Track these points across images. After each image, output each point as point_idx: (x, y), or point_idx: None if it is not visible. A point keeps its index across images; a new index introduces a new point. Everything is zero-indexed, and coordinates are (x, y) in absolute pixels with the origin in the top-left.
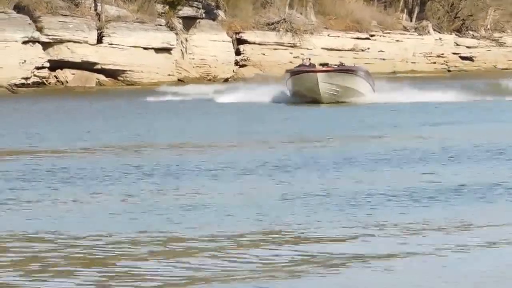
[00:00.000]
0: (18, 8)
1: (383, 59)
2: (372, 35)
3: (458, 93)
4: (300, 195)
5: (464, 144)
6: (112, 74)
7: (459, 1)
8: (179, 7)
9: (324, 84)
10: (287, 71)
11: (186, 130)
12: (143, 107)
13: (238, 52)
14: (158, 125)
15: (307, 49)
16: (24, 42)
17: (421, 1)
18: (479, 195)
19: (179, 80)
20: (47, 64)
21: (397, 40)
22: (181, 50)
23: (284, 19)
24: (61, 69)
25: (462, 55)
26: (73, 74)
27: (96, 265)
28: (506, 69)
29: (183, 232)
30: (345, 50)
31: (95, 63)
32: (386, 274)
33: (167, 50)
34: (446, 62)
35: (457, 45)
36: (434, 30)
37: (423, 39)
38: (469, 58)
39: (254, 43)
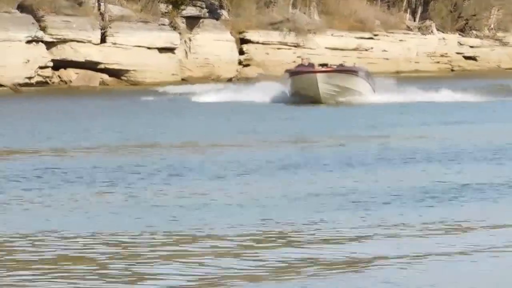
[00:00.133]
0: (22, 8)
1: (387, 59)
2: (375, 35)
3: (466, 93)
4: (308, 195)
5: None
6: (116, 73)
7: (463, 0)
8: (182, 7)
9: (324, 85)
10: (287, 71)
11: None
12: (140, 106)
13: (241, 52)
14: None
15: (311, 48)
16: (28, 42)
17: (425, 0)
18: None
19: (182, 79)
20: (51, 64)
21: (401, 40)
22: (185, 50)
23: (287, 18)
24: (65, 69)
25: (465, 54)
26: (77, 73)
27: (109, 266)
28: (510, 68)
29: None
30: (349, 50)
31: (99, 63)
32: (408, 274)
33: (170, 49)
34: (450, 61)
35: (461, 44)
36: (438, 29)
37: (426, 38)
38: (473, 58)
39: (257, 42)
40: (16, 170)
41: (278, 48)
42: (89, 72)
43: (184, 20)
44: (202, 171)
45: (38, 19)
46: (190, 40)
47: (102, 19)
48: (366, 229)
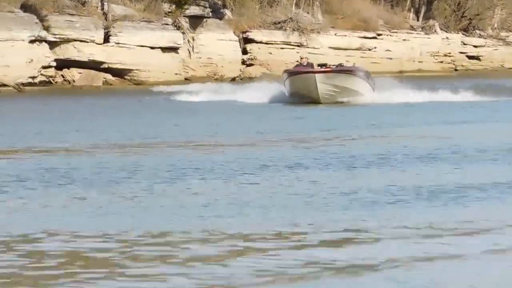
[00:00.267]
0: (25, 7)
1: (390, 58)
2: (379, 34)
3: (472, 93)
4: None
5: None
6: (119, 73)
7: (466, 0)
8: (185, 6)
9: (323, 85)
10: (285, 71)
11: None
12: (141, 106)
13: (245, 51)
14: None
15: (314, 48)
16: (31, 41)
17: (428, 0)
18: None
19: (186, 79)
20: (54, 63)
21: (404, 39)
22: (188, 50)
23: (291, 18)
24: (68, 68)
25: (469, 54)
26: (80, 73)
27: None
28: None
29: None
30: (352, 49)
31: (102, 62)
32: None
33: (173, 49)
34: (453, 61)
35: (464, 44)
36: (441, 29)
37: (430, 38)
38: (476, 57)
39: (261, 42)
40: (19, 170)
41: (282, 48)
42: (92, 72)
43: (187, 20)
44: (210, 170)
45: (41, 19)
46: (193, 39)
47: (105, 19)
48: (379, 230)
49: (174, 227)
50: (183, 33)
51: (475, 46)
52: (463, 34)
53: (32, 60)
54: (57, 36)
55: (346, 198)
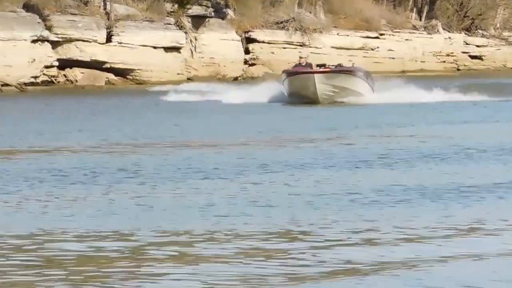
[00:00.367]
0: (27, 7)
1: (393, 58)
2: (381, 34)
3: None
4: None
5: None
6: (122, 73)
7: (469, 0)
8: (188, 6)
9: (322, 85)
10: (284, 71)
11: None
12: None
13: (247, 51)
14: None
15: (316, 47)
16: (33, 41)
17: (431, 0)
18: None
19: (188, 79)
20: (56, 63)
21: (407, 39)
22: (190, 49)
23: (293, 18)
24: (70, 68)
25: (471, 54)
26: (82, 73)
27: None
28: None
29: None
30: (354, 49)
31: (104, 62)
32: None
33: (176, 49)
34: (456, 61)
35: (467, 44)
36: (444, 29)
37: (432, 38)
38: (479, 57)
39: (263, 42)
40: (21, 169)
41: (284, 48)
42: (95, 72)
43: (190, 20)
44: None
45: (44, 19)
46: (195, 39)
47: (108, 19)
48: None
49: (187, 227)
50: (186, 32)
51: (477, 46)
52: (465, 34)
53: (34, 60)
54: (60, 36)
55: (361, 197)
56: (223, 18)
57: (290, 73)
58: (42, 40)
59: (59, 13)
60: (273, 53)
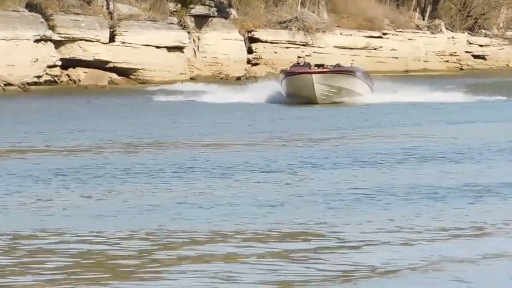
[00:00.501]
0: (30, 7)
1: (396, 58)
2: (384, 34)
3: (464, 93)
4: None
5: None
6: (125, 72)
7: None
8: (191, 6)
9: (320, 85)
10: (282, 71)
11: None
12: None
13: (250, 51)
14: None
15: (320, 47)
16: (36, 41)
17: None
18: None
19: (191, 78)
20: (59, 63)
21: (410, 39)
22: (193, 49)
23: (296, 17)
24: (73, 68)
25: (474, 53)
26: (85, 72)
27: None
28: None
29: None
30: (358, 49)
31: (107, 62)
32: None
33: (179, 48)
34: (459, 60)
35: (470, 43)
36: (447, 28)
37: (435, 37)
38: (482, 57)
39: (266, 41)
40: (21, 169)
41: (287, 47)
42: (98, 71)
43: (193, 19)
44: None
45: (47, 18)
46: (198, 39)
47: (111, 18)
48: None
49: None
50: (189, 32)
51: (480, 46)
52: (468, 33)
53: (37, 60)
54: (63, 36)
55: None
56: (226, 18)
57: (288, 73)
58: (45, 39)
59: (62, 12)
60: (276, 52)
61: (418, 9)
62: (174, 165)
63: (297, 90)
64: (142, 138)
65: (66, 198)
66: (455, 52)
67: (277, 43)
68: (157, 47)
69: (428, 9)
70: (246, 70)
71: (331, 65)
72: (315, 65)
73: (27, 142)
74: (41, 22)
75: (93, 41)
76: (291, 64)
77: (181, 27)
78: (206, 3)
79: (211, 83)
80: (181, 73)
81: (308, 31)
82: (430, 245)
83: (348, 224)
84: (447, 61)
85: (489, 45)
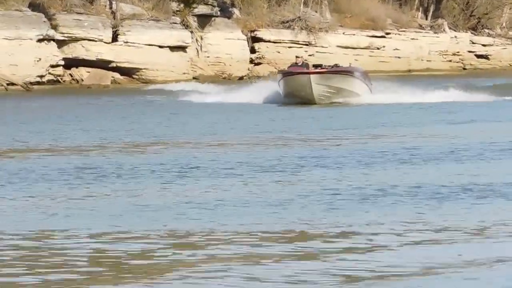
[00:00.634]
0: (33, 6)
1: (398, 57)
2: (387, 33)
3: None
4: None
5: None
6: (127, 72)
7: None
8: (194, 5)
9: (318, 86)
10: (280, 71)
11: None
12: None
13: (253, 50)
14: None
15: (322, 47)
16: (39, 40)
17: None
18: None
19: (194, 78)
20: (62, 62)
21: (413, 38)
22: (196, 49)
23: (299, 17)
24: (76, 67)
25: (477, 53)
26: (88, 72)
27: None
28: None
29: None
30: (360, 48)
31: (110, 61)
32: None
33: (182, 48)
34: (462, 60)
35: (473, 43)
36: (450, 28)
37: (438, 37)
38: (485, 56)
39: (269, 41)
40: (23, 169)
41: (290, 47)
42: (101, 71)
43: (196, 19)
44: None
45: (49, 18)
46: (201, 38)
47: (114, 18)
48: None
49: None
50: (192, 32)
51: (483, 45)
52: (471, 33)
53: (40, 59)
54: (65, 35)
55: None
56: (229, 18)
57: (286, 73)
58: (48, 39)
59: (65, 12)
60: (279, 52)
61: (421, 9)
62: (177, 165)
63: (295, 91)
64: (143, 138)
65: (68, 198)
66: (458, 52)
67: (280, 42)
68: (160, 46)
69: (431, 9)
70: (249, 69)
71: (329, 65)
72: (313, 65)
73: (29, 142)
74: (44, 21)
75: (96, 41)
76: (290, 64)
77: (184, 27)
78: (209, 3)
79: (210, 83)
80: (184, 73)
81: (311, 31)
82: (437, 247)
83: (366, 225)
84: (450, 61)
85: (492, 45)
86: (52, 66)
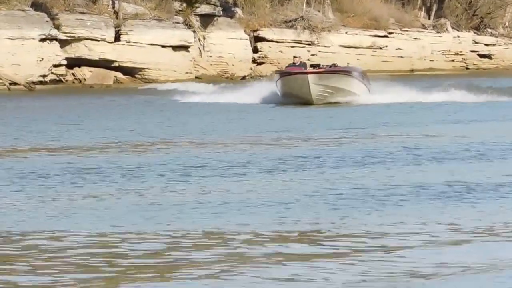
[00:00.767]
0: (36, 6)
1: (401, 57)
2: (390, 33)
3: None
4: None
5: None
6: (130, 72)
7: None
8: (196, 5)
9: (315, 86)
10: (277, 71)
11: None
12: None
13: (255, 50)
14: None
15: (325, 46)
16: (42, 40)
17: None
18: None
19: (196, 77)
20: (65, 62)
21: (415, 38)
22: (199, 48)
23: (301, 16)
24: (79, 67)
25: (480, 52)
26: (91, 71)
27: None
28: None
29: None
30: (363, 48)
31: (113, 61)
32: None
33: (184, 47)
34: (464, 60)
35: (475, 43)
36: (452, 27)
37: (441, 36)
38: (488, 56)
39: (271, 40)
40: (26, 169)
41: (292, 46)
42: (103, 71)
43: (198, 18)
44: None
45: (52, 17)
46: (204, 38)
47: (116, 17)
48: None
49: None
50: (194, 31)
51: (486, 45)
52: (474, 32)
53: (42, 59)
54: (68, 35)
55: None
56: (231, 17)
57: (283, 74)
58: (51, 39)
59: (68, 11)
60: (281, 52)
61: (423, 8)
62: (179, 165)
63: (293, 91)
64: (144, 138)
65: (70, 198)
66: (460, 51)
67: (282, 42)
68: (163, 46)
69: (434, 8)
70: (251, 69)
71: (327, 65)
72: (311, 65)
73: (31, 141)
74: (47, 21)
75: (98, 40)
76: (287, 64)
77: (186, 26)
78: (212, 2)
79: (210, 83)
80: (187, 72)
81: (314, 30)
82: (447, 248)
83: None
84: (453, 60)
85: (495, 44)
86: (55, 66)
